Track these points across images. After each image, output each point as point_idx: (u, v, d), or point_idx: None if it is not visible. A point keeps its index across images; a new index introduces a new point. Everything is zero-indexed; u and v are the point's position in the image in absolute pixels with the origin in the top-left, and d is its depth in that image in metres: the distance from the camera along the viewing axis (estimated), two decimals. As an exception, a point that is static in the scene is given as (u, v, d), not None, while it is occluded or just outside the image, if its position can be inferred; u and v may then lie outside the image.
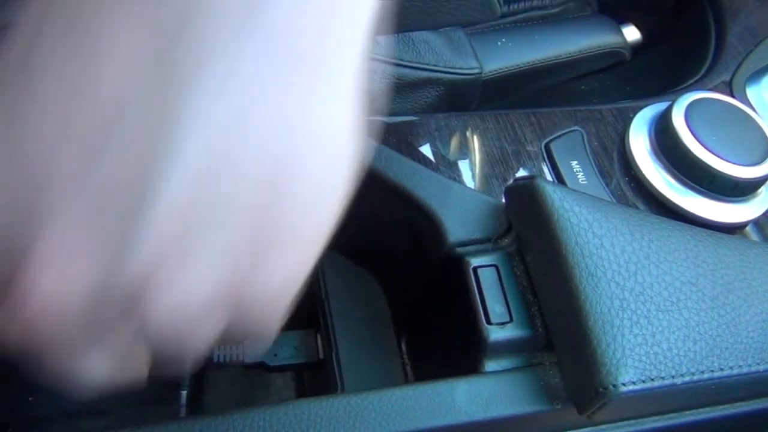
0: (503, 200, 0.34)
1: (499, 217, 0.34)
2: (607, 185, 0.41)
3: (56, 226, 0.20)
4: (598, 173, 0.41)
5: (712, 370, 0.28)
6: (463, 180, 0.40)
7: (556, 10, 0.56)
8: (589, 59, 0.54)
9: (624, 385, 0.27)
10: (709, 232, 0.32)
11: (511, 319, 0.31)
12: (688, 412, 0.31)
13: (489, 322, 0.30)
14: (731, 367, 0.29)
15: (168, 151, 0.20)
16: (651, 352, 0.28)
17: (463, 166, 0.41)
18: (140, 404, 0.31)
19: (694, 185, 0.40)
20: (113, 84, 0.20)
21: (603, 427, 0.31)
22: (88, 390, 0.22)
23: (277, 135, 0.21)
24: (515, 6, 0.55)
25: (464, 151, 0.41)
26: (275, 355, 0.37)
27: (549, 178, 0.40)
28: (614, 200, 0.40)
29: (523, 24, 0.54)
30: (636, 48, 0.57)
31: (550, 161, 0.41)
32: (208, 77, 0.20)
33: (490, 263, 0.32)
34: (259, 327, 0.24)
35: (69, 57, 0.20)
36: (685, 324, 0.28)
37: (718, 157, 0.39)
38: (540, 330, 0.30)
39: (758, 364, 0.29)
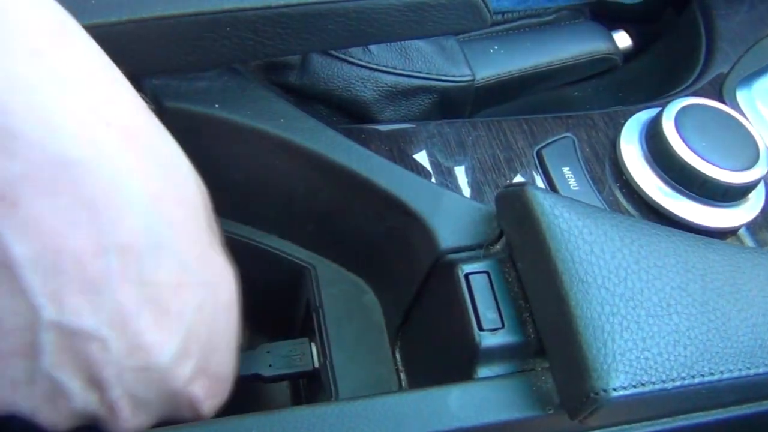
0: (494, 207, 0.34)
1: (491, 224, 0.34)
2: (599, 191, 0.41)
3: None
4: (589, 179, 0.41)
5: (703, 375, 0.28)
6: (457, 187, 0.40)
7: (549, 18, 0.57)
8: (581, 66, 0.54)
9: (615, 390, 0.27)
10: (699, 237, 0.32)
11: (503, 325, 0.31)
12: (680, 417, 0.31)
13: (481, 329, 0.31)
14: (722, 372, 0.29)
15: None
16: (641, 357, 0.28)
17: (456, 173, 0.41)
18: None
19: (685, 190, 0.40)
20: None
21: (595, 432, 0.31)
22: None
23: None
24: (509, 15, 0.55)
25: (457, 158, 0.41)
26: (270, 365, 0.37)
27: (541, 184, 0.41)
28: (606, 206, 0.40)
29: (515, 31, 0.54)
30: (627, 54, 0.57)
31: (542, 168, 0.41)
32: None
33: (481, 270, 0.32)
34: None
35: None
36: (676, 329, 0.29)
37: (708, 162, 0.39)
38: (532, 336, 0.31)
39: (748, 368, 0.29)
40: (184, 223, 0.28)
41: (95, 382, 0.27)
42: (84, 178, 0.24)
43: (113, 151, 0.25)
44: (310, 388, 0.42)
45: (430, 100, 0.48)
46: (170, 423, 0.29)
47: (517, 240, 0.32)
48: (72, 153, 0.24)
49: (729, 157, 0.40)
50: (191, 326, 0.28)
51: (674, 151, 0.39)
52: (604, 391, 0.27)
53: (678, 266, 0.30)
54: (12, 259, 0.24)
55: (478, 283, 0.32)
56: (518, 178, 0.41)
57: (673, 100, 0.42)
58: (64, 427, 0.28)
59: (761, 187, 0.42)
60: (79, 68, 0.25)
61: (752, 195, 0.41)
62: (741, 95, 0.47)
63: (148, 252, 0.26)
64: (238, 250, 0.41)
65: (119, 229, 0.25)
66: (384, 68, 0.47)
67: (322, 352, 0.37)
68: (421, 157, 0.41)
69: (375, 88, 0.47)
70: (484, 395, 0.29)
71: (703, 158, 0.39)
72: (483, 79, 0.50)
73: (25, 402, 0.27)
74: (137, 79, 0.37)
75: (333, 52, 0.46)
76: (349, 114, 0.48)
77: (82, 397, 0.27)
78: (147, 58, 0.34)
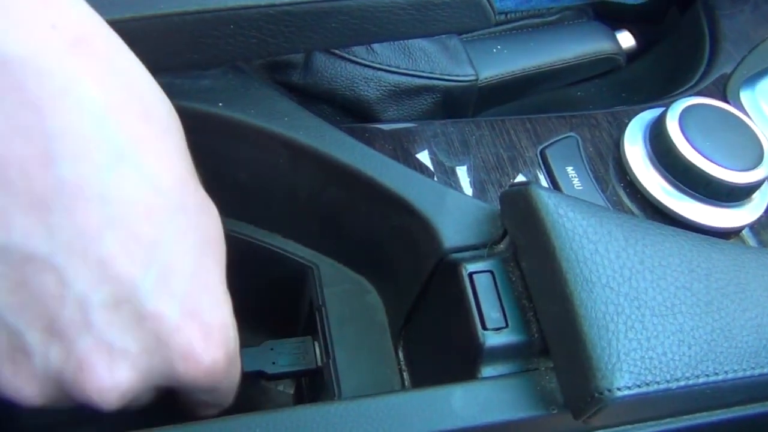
0: (498, 206, 0.34)
1: (495, 223, 0.34)
2: (603, 191, 0.41)
3: None
4: (593, 179, 0.41)
5: (707, 375, 0.28)
6: (460, 186, 0.40)
7: (553, 18, 0.57)
8: (584, 66, 0.54)
9: (619, 390, 0.27)
10: (703, 237, 0.32)
11: (507, 325, 0.31)
12: (684, 417, 0.31)
13: (485, 328, 0.30)
14: (726, 372, 0.29)
15: None
16: (646, 356, 0.28)
17: (460, 172, 0.41)
18: (131, 413, 0.31)
19: (689, 190, 0.40)
20: None
21: (599, 432, 0.31)
22: None
23: None
24: (512, 15, 0.55)
25: (460, 157, 0.41)
26: (273, 363, 0.37)
27: (544, 184, 0.41)
28: (610, 206, 0.40)
29: (518, 31, 0.54)
30: (631, 54, 0.57)
31: (545, 167, 0.41)
32: None
33: (485, 269, 0.32)
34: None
35: None
36: (680, 329, 0.29)
37: (713, 162, 0.39)
38: (536, 335, 0.30)
39: (753, 368, 0.29)
40: (153, 140, 0.25)
41: (55, 330, 0.23)
42: (27, 77, 0.22)
43: (60, 53, 0.23)
44: (312, 387, 0.42)
45: (433, 100, 0.48)
46: (172, 395, 0.28)
47: (521, 239, 0.32)
48: (10, 50, 0.22)
49: (733, 157, 0.39)
50: (170, 257, 0.25)
51: (678, 150, 0.39)
52: (609, 390, 0.27)
53: (682, 266, 0.30)
54: None
55: (481, 283, 0.31)
56: (521, 178, 0.41)
57: (676, 100, 0.42)
58: (34, 397, 0.25)
59: (765, 187, 0.42)
60: None
61: (756, 195, 0.41)
62: (745, 95, 0.47)
63: (108, 164, 0.23)
64: (241, 249, 0.41)
65: (69, 135, 0.23)
66: (387, 67, 0.47)
67: (325, 351, 0.37)
68: (424, 157, 0.41)
69: (378, 88, 0.47)
70: (488, 395, 0.29)
71: (707, 158, 0.39)
72: (486, 78, 0.50)
73: None
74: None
75: (336, 51, 0.46)
76: (352, 113, 0.48)
77: (43, 351, 0.24)
78: (150, 56, 0.33)
